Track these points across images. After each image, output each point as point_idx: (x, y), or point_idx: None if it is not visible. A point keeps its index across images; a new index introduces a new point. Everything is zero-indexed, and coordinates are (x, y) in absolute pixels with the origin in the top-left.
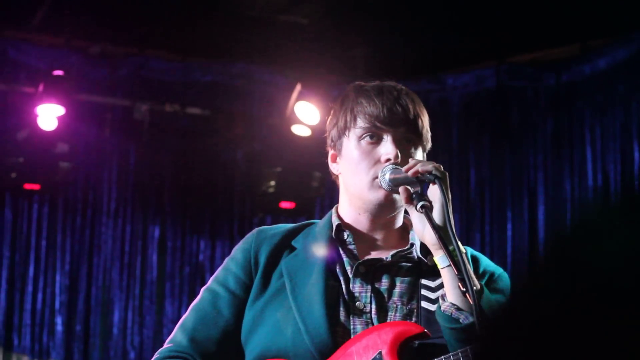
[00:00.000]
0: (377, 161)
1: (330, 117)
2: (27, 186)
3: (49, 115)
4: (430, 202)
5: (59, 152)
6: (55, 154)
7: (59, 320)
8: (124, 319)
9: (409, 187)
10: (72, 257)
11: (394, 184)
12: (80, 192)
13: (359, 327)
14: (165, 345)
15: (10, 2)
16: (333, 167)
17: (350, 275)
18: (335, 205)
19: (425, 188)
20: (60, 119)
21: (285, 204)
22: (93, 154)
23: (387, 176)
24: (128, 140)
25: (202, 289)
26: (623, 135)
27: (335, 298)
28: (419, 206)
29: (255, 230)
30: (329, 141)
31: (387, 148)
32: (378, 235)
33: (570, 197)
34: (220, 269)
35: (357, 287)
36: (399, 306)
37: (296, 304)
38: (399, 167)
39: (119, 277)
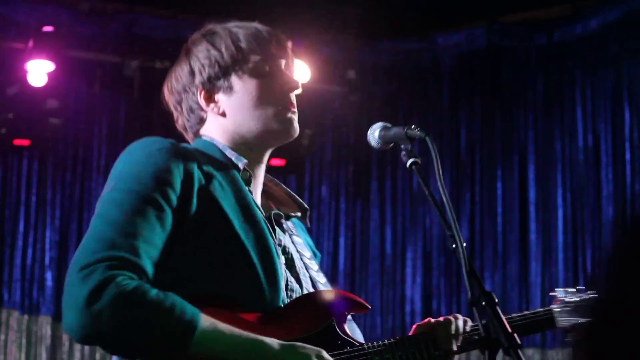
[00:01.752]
0: (284, 90)
1: (194, 58)
2: (17, 142)
3: (38, 71)
4: (420, 160)
5: (48, 108)
6: (45, 110)
7: (48, 275)
8: None
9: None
10: (62, 212)
11: (384, 141)
12: (70, 148)
13: (294, 282)
14: (110, 251)
15: None
16: (210, 108)
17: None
18: (211, 139)
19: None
20: (50, 75)
21: (275, 161)
22: (83, 110)
23: (377, 134)
24: (118, 97)
25: (126, 191)
26: (614, 96)
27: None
28: (409, 163)
29: (167, 141)
30: (198, 81)
31: (289, 77)
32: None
33: (561, 157)
34: (143, 173)
35: (281, 238)
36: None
37: (255, 251)
38: (388, 124)
39: None
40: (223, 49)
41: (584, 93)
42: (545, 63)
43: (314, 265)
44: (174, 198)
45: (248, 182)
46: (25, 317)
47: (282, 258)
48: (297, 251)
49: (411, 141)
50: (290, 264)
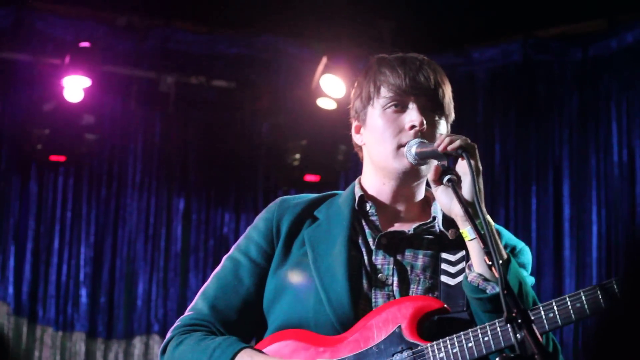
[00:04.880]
0: (402, 129)
1: (354, 89)
2: (53, 158)
3: (75, 86)
4: (458, 176)
5: (84, 124)
6: (81, 126)
7: (83, 292)
8: (148, 292)
9: (438, 164)
10: (96, 228)
11: (421, 158)
12: (105, 164)
13: (380, 300)
14: (187, 313)
15: None
16: (357, 138)
17: (373, 247)
18: (359, 177)
19: (451, 162)
20: (86, 90)
21: (310, 177)
22: (119, 126)
23: (414, 150)
24: (153, 113)
25: (224, 258)
26: None
27: (358, 269)
28: (445, 180)
29: (278, 199)
30: (352, 112)
31: (411, 116)
32: (400, 207)
33: (595, 172)
34: (242, 237)
35: (379, 259)
36: (421, 279)
37: (318, 274)
38: (425, 141)
39: (144, 249)
40: (367, 84)
41: (620, 108)
42: (580, 77)
43: (423, 280)
44: (254, 252)
45: (364, 212)
46: (60, 333)
47: (370, 278)
48: (399, 269)
49: (448, 157)
50: (384, 283)
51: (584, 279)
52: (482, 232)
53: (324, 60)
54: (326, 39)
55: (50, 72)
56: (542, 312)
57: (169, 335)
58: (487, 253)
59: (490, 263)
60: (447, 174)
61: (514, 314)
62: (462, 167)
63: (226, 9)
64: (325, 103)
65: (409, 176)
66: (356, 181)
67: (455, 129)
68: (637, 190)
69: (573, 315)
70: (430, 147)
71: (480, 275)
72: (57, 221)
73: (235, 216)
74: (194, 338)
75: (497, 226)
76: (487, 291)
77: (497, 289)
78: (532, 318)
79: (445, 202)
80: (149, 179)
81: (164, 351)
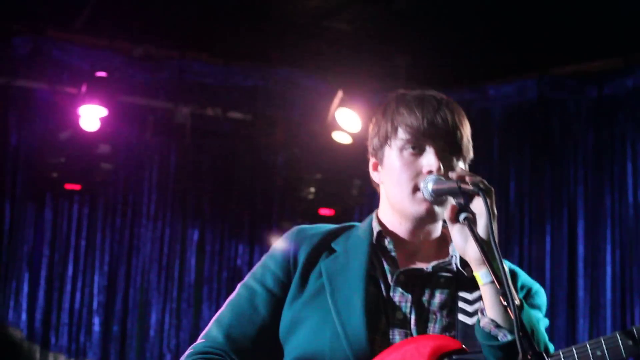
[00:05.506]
0: (419, 172)
1: (371, 126)
2: (68, 186)
3: (91, 116)
4: (473, 215)
5: (100, 153)
6: (96, 155)
7: (96, 320)
8: (161, 322)
9: (454, 203)
10: (110, 257)
11: (437, 195)
12: (120, 194)
13: (397, 337)
14: (199, 341)
15: (54, 3)
16: (374, 176)
17: (391, 283)
18: (376, 210)
19: (467, 201)
20: (102, 120)
21: (324, 211)
22: (134, 156)
23: (430, 186)
24: (169, 143)
25: (239, 285)
26: None
27: (375, 305)
28: (462, 218)
29: (294, 228)
30: (370, 149)
31: (429, 159)
32: (418, 244)
33: (610, 213)
34: (258, 265)
35: (397, 296)
36: (438, 318)
37: (335, 307)
38: (441, 177)
39: (157, 279)
40: (384, 122)
41: (635, 148)
42: (595, 116)
43: (440, 319)
44: (270, 281)
45: (382, 247)
46: None
47: (388, 315)
48: (417, 307)
49: (464, 196)
50: (402, 321)
51: (598, 319)
52: (499, 274)
53: (340, 94)
54: (342, 73)
55: (66, 101)
56: (562, 358)
57: None
58: (503, 294)
59: (505, 304)
60: (463, 212)
61: (529, 357)
62: (478, 207)
63: (242, 41)
64: (341, 137)
65: (426, 219)
66: (374, 215)
67: (469, 166)
68: None
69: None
70: (447, 184)
71: (493, 321)
72: (72, 249)
73: (249, 248)
74: None
75: (513, 266)
76: (499, 338)
77: (509, 337)
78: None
79: (460, 243)
80: (164, 209)
81: None
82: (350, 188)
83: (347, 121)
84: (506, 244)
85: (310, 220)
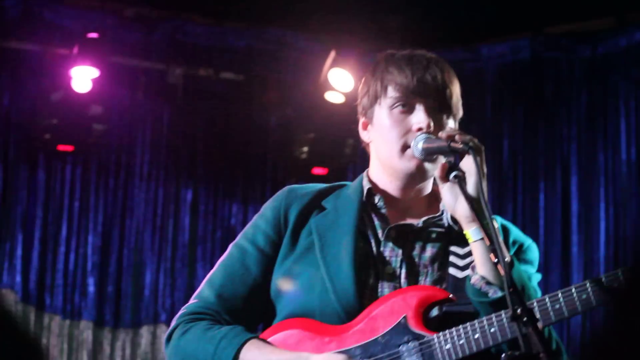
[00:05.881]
0: (409, 130)
1: (361, 85)
2: (61, 147)
3: (83, 77)
4: (463, 173)
5: (92, 114)
6: (89, 116)
7: (90, 281)
8: (156, 281)
9: (445, 162)
10: (104, 218)
11: (427, 153)
12: (113, 154)
13: (387, 291)
14: (192, 301)
15: None
16: (364, 135)
17: (382, 239)
18: (367, 169)
19: (457, 160)
20: (94, 81)
21: (317, 170)
22: (127, 117)
23: (420, 145)
24: (162, 104)
25: (231, 245)
26: None
27: (365, 260)
28: (452, 176)
29: (285, 188)
30: (360, 109)
31: (419, 117)
32: (408, 201)
33: (604, 170)
34: (249, 225)
35: (387, 251)
36: (429, 271)
37: (325, 263)
38: (432, 136)
39: (151, 239)
40: (374, 81)
41: (628, 106)
42: (589, 75)
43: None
44: (261, 241)
45: (373, 205)
46: (67, 322)
47: (378, 270)
48: (407, 262)
49: (454, 155)
50: (392, 275)
51: (591, 275)
52: (489, 231)
53: (332, 54)
54: (335, 33)
55: (58, 63)
56: (549, 304)
57: (174, 323)
58: (493, 250)
59: (496, 261)
60: (453, 171)
61: (519, 312)
62: (468, 165)
63: (235, 1)
64: (333, 97)
65: (416, 176)
66: (364, 174)
67: (463, 124)
68: None
69: (579, 307)
70: (437, 142)
71: (483, 278)
72: (65, 210)
73: (242, 208)
74: (200, 327)
75: (505, 222)
76: (490, 295)
77: (499, 293)
78: (539, 310)
79: (450, 201)
80: (157, 169)
81: (169, 339)
82: (343, 147)
83: (339, 81)
84: (500, 201)
85: (304, 179)
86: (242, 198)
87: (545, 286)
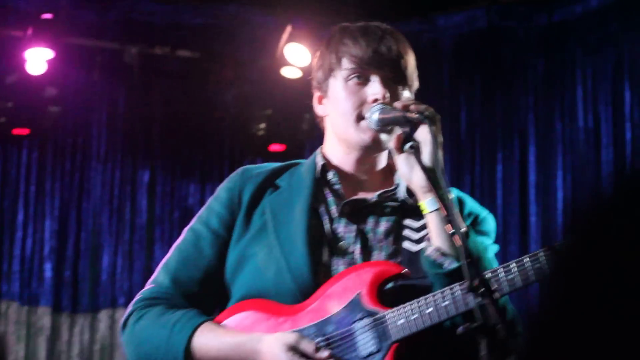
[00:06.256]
0: (364, 101)
1: (315, 59)
2: (16, 131)
3: (37, 59)
4: (418, 143)
5: (48, 97)
6: (44, 98)
7: (47, 266)
8: (114, 264)
9: (400, 132)
10: (61, 202)
11: (382, 124)
12: (69, 137)
13: (341, 267)
14: (148, 286)
15: None
16: (319, 109)
17: (335, 215)
18: (321, 146)
19: (412, 129)
20: (49, 62)
21: (275, 147)
22: (82, 98)
23: (376, 115)
24: (118, 84)
25: (186, 229)
26: (614, 76)
27: (319, 237)
28: (407, 146)
29: (239, 169)
30: (314, 82)
31: (374, 88)
32: (363, 176)
33: (562, 138)
34: (203, 208)
35: (341, 227)
36: (383, 246)
37: (279, 242)
38: (387, 106)
39: (109, 222)
40: (328, 54)
41: (585, 73)
42: (545, 43)
43: (386, 247)
44: (215, 223)
45: (327, 181)
46: (25, 308)
47: (332, 246)
48: (362, 237)
49: (409, 124)
50: (346, 251)
51: (550, 244)
52: (445, 201)
53: (288, 28)
54: (290, 8)
55: (12, 45)
56: (502, 274)
57: (129, 309)
58: (449, 221)
59: (452, 231)
60: (408, 141)
61: (475, 284)
62: (423, 135)
63: None
64: (290, 72)
65: (371, 147)
66: (318, 150)
67: (420, 96)
68: (602, 155)
69: (533, 276)
70: (392, 112)
71: (439, 249)
72: (21, 195)
73: (200, 187)
74: (155, 312)
75: (461, 193)
76: (445, 266)
77: (455, 264)
78: (492, 280)
79: (405, 171)
80: (113, 151)
81: (124, 326)
82: (300, 123)
83: (296, 56)
84: (458, 172)
85: (262, 156)
86: (200, 178)
87: (504, 257)
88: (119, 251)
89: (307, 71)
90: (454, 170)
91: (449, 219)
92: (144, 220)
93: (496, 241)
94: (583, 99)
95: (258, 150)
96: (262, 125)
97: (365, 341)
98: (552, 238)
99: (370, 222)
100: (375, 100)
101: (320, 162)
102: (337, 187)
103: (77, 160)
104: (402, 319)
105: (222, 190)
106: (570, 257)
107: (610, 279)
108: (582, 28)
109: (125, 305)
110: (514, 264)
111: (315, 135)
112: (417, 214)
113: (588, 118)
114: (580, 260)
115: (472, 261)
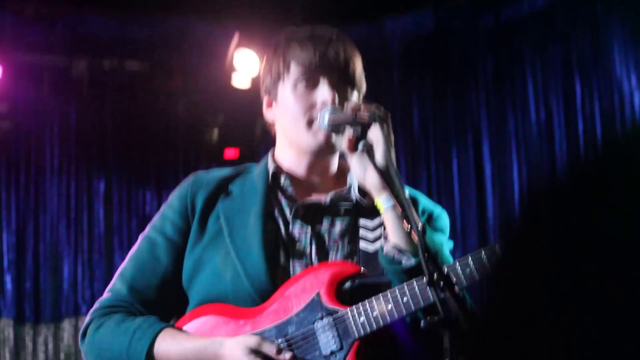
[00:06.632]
0: (314, 105)
1: (264, 64)
2: None
3: None
4: (371, 143)
5: None
6: None
7: (7, 278)
8: (74, 274)
9: (352, 134)
10: (17, 215)
11: (334, 126)
12: (22, 151)
13: (298, 269)
14: (105, 295)
15: None
16: (268, 114)
17: (290, 218)
18: (271, 149)
19: (364, 130)
20: None
21: (229, 153)
22: (33, 113)
23: (326, 118)
24: (68, 98)
25: (140, 237)
26: (563, 70)
27: (275, 241)
28: (360, 147)
29: (191, 175)
30: (263, 88)
31: (323, 92)
32: (316, 179)
33: (514, 132)
34: (157, 215)
35: (296, 229)
36: (339, 246)
37: (234, 247)
38: (337, 109)
39: (67, 232)
40: (277, 59)
41: (534, 68)
42: (494, 42)
43: (341, 247)
44: (169, 230)
45: (279, 185)
46: None
47: (288, 249)
48: (317, 238)
49: (361, 125)
50: (302, 253)
51: (509, 237)
52: (399, 197)
53: (237, 36)
54: (237, 15)
55: None
56: (459, 269)
57: (88, 318)
58: (405, 217)
59: (409, 228)
60: (361, 141)
61: (435, 278)
62: (375, 135)
63: None
64: (240, 78)
65: (324, 150)
66: (269, 154)
67: (372, 97)
68: (556, 147)
69: (490, 269)
70: (343, 114)
71: (396, 246)
72: None
73: (156, 194)
74: (114, 320)
75: (414, 191)
76: (403, 262)
77: (413, 260)
78: (451, 274)
79: (359, 171)
80: (68, 162)
81: (84, 335)
82: (253, 128)
83: (245, 62)
84: (413, 170)
85: (216, 163)
86: (156, 185)
87: (463, 251)
88: (79, 261)
89: (257, 77)
90: (410, 167)
91: (405, 216)
92: (102, 229)
93: (455, 235)
94: (534, 93)
95: (212, 157)
96: (215, 132)
97: (327, 340)
98: (510, 230)
99: (325, 224)
100: (324, 104)
101: (271, 166)
102: (289, 190)
103: (31, 173)
104: (363, 316)
105: (174, 197)
106: (519, 250)
107: (559, 273)
108: (529, 27)
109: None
110: (471, 258)
111: (268, 140)
112: (372, 213)
113: (540, 112)
114: (529, 254)
115: (430, 256)
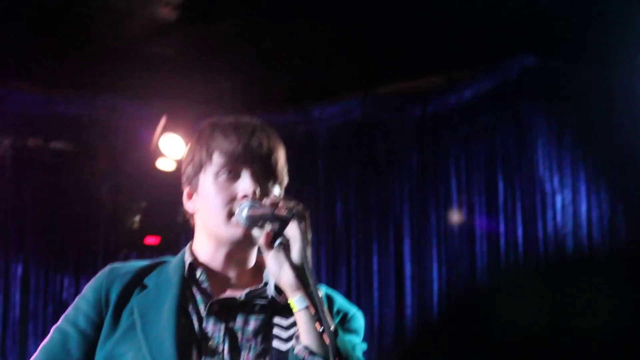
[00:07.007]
0: (234, 197)
1: (186, 154)
2: None
3: None
4: (287, 240)
5: None
6: None
7: None
8: None
9: (269, 230)
10: None
11: (251, 221)
12: None
13: None
14: None
15: None
16: (188, 205)
17: (204, 314)
18: (190, 243)
19: (282, 226)
20: None
21: (150, 240)
22: None
23: (245, 212)
24: None
25: (53, 329)
26: (487, 167)
27: (187, 337)
28: (276, 244)
29: (106, 268)
30: (184, 178)
31: (244, 184)
32: (232, 274)
33: (436, 230)
34: (71, 307)
35: (210, 326)
36: (252, 345)
37: (147, 342)
38: (257, 203)
39: None
40: (199, 149)
41: (459, 163)
42: (420, 134)
43: (254, 346)
44: (82, 323)
45: (195, 279)
46: None
47: (201, 346)
48: (230, 336)
49: (278, 221)
50: (215, 350)
51: (426, 337)
52: (314, 300)
53: (164, 120)
54: (166, 98)
55: None
56: None
57: None
58: (318, 320)
59: (321, 329)
60: (277, 238)
61: None
62: (292, 232)
63: (65, 69)
64: (165, 164)
65: (242, 243)
66: (187, 247)
67: (296, 188)
68: (477, 247)
69: None
70: (261, 209)
71: (307, 348)
72: None
73: (74, 280)
74: None
75: (330, 290)
76: None
77: None
78: None
79: (274, 269)
80: None
81: None
82: (175, 215)
83: (171, 147)
84: (334, 265)
85: (136, 249)
86: (74, 271)
87: (380, 351)
88: None
89: (182, 163)
90: (330, 262)
91: (317, 317)
92: (17, 315)
93: (372, 334)
94: (457, 190)
95: (132, 244)
96: (137, 218)
97: None
98: (427, 331)
99: (239, 321)
100: (245, 197)
101: (188, 260)
102: (205, 285)
103: None
104: None
105: (89, 289)
106: None
107: None
108: (455, 119)
109: None
110: None
111: (189, 227)
112: (287, 311)
113: (462, 210)
114: None
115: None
